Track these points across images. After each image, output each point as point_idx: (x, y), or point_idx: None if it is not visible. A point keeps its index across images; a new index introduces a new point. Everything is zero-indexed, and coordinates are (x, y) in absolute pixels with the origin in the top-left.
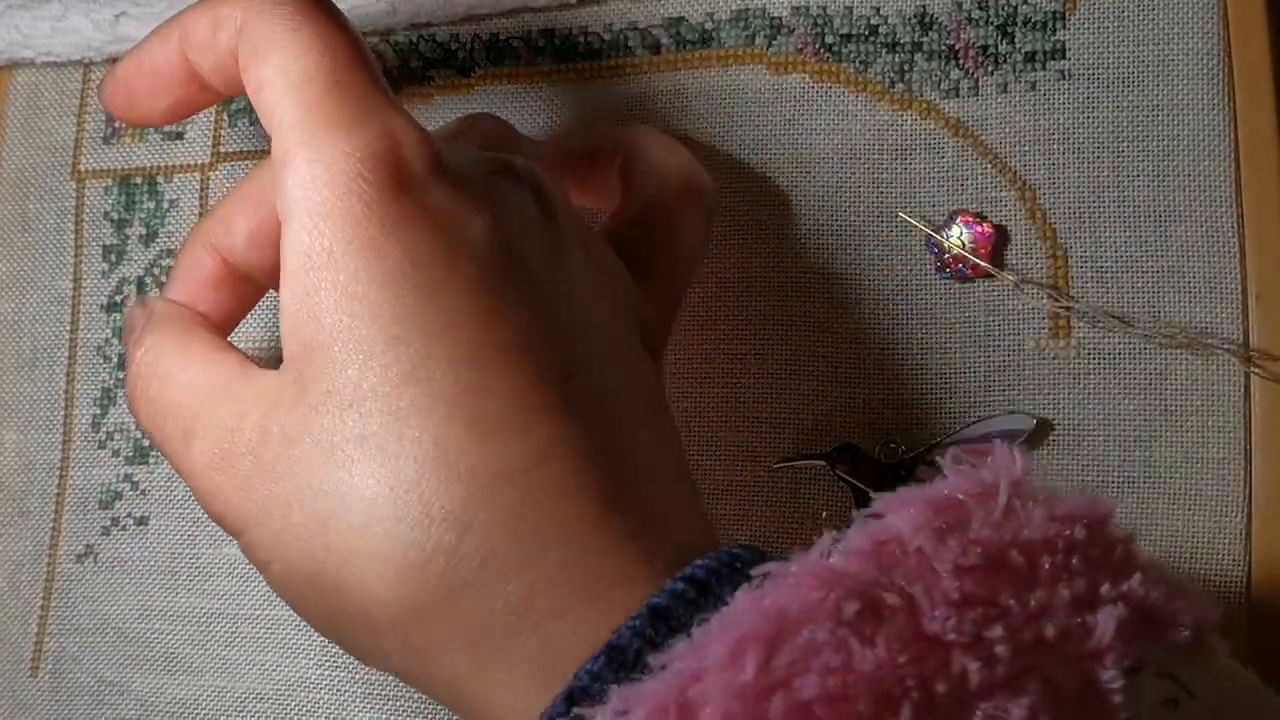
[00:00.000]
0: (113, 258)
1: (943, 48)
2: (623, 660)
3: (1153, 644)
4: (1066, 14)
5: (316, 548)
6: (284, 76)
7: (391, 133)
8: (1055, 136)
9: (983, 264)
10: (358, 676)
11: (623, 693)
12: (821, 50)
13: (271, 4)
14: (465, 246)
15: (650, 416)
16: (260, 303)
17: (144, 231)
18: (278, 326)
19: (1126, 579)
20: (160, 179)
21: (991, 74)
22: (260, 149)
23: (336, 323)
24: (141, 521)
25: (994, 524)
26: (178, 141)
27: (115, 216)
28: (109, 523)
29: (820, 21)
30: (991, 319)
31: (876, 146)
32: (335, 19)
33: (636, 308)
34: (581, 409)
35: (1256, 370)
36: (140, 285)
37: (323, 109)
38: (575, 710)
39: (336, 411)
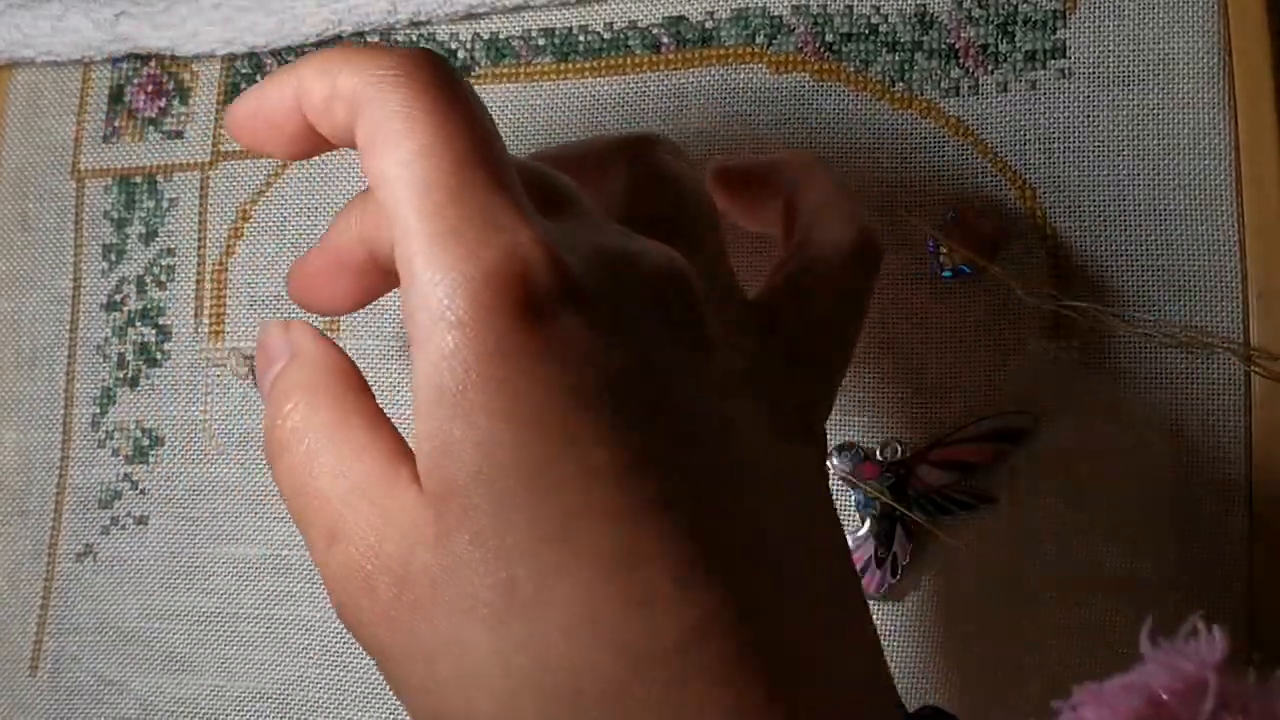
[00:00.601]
0: (113, 256)
1: (943, 47)
2: None
3: None
4: (1067, 13)
5: (460, 703)
6: (401, 179)
7: (517, 252)
8: (1055, 135)
9: (983, 263)
10: (358, 677)
11: None
12: (822, 49)
13: (389, 87)
14: (604, 381)
15: (821, 561)
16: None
17: (144, 230)
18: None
19: None
20: (160, 178)
21: (992, 73)
22: None
23: (476, 469)
24: (141, 521)
25: None
26: (177, 140)
27: (115, 215)
28: (109, 522)
29: (820, 20)
30: (992, 318)
31: (877, 145)
32: (457, 106)
33: (792, 399)
34: (741, 575)
35: (1257, 369)
36: (140, 284)
37: (443, 221)
38: None
39: (481, 564)
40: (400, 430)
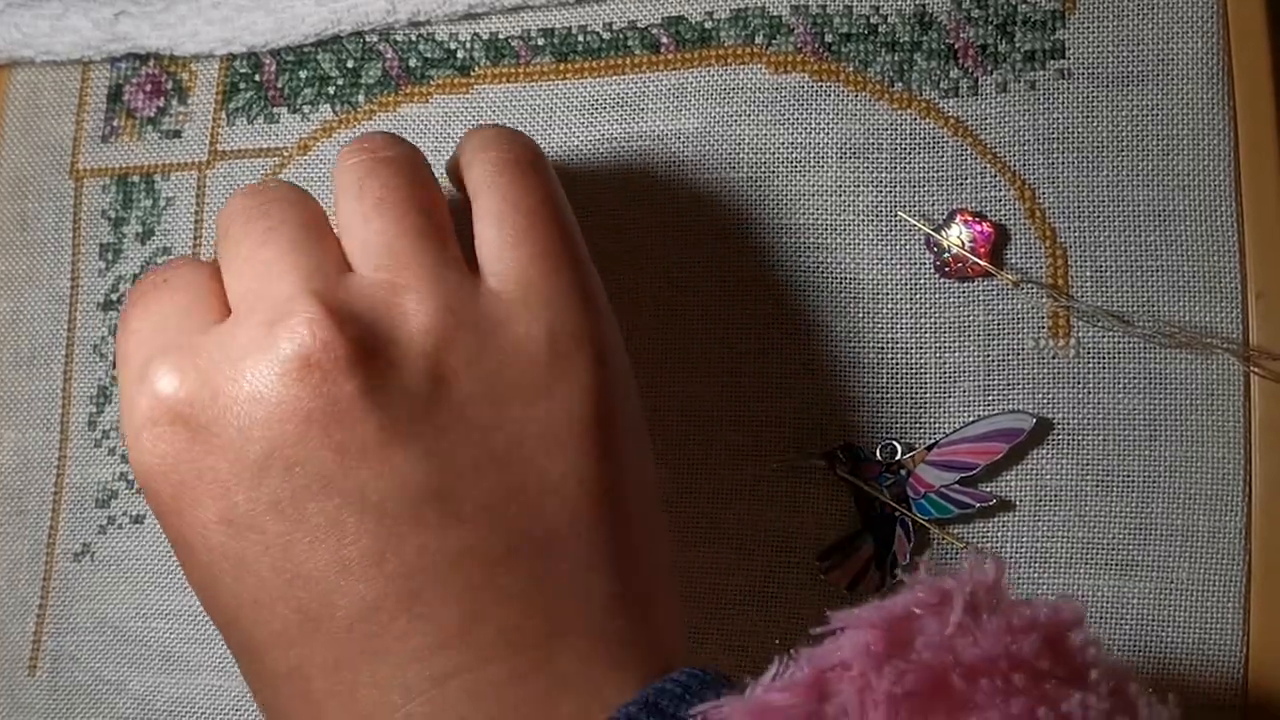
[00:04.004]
0: (110, 256)
1: (942, 47)
2: None
3: None
4: (1066, 13)
5: None
6: None
7: None
8: (1055, 136)
9: (982, 263)
10: None
11: None
12: (821, 49)
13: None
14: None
15: (600, 530)
16: None
17: (140, 230)
18: None
19: (1067, 699)
20: (158, 177)
21: (991, 73)
22: (257, 147)
23: None
24: (138, 520)
25: (938, 644)
26: (175, 140)
27: (113, 215)
28: (106, 521)
29: (820, 20)
30: (991, 318)
31: (876, 145)
32: None
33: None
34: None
35: (1256, 370)
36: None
37: None
38: None
39: None
40: None
